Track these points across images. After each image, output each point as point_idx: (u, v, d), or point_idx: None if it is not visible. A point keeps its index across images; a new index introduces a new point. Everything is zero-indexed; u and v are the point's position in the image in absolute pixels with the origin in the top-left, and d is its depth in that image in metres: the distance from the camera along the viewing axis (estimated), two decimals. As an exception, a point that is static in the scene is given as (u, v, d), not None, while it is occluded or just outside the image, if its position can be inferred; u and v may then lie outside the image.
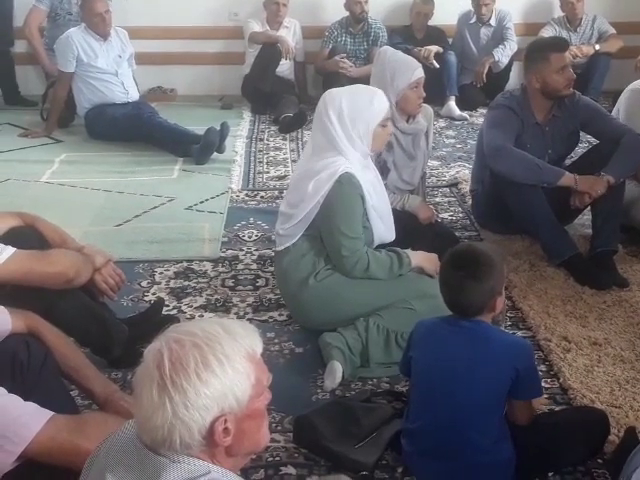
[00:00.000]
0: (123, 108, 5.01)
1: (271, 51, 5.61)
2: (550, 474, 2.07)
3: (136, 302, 2.98)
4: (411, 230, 2.98)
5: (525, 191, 3.15)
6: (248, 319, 2.86)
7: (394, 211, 2.88)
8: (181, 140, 4.77)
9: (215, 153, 4.67)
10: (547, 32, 5.71)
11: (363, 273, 2.60)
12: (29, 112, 5.66)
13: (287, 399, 2.26)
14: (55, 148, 4.98)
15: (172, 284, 3.15)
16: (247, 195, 4.16)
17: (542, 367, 2.54)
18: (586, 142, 4.15)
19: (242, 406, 1.27)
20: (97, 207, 3.98)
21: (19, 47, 5.96)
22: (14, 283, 2.15)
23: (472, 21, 5.92)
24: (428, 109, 3.32)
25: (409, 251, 2.68)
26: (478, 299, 1.93)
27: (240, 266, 3.30)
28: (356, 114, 2.58)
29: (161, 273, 3.24)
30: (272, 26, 5.79)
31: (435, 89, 4.97)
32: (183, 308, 2.95)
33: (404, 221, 2.95)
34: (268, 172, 4.59)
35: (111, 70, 5.05)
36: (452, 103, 5.71)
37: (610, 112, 3.60)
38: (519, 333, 2.76)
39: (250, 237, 3.60)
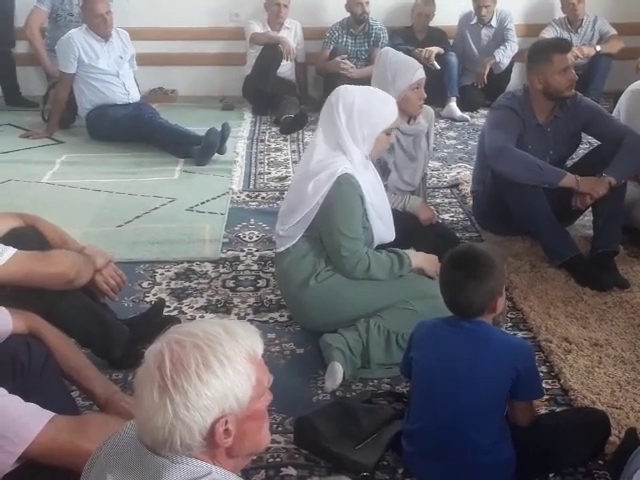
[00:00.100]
0: (124, 109, 5.02)
1: (272, 52, 5.61)
2: (551, 475, 2.07)
3: (137, 303, 2.98)
4: (412, 231, 2.98)
5: (526, 192, 3.15)
6: (249, 320, 2.86)
7: (395, 212, 2.88)
8: (182, 141, 4.77)
9: (216, 154, 4.68)
10: (548, 33, 5.71)
11: (364, 274, 2.60)
12: (30, 113, 5.67)
13: (288, 400, 2.26)
14: (56, 149, 4.98)
15: (173, 285, 3.15)
16: (248, 196, 4.16)
17: (543, 368, 2.54)
18: (587, 143, 4.15)
19: (243, 407, 1.27)
20: (98, 208, 3.98)
21: (20, 48, 5.96)
22: (15, 284, 2.16)
23: (473, 22, 5.93)
24: (429, 110, 3.33)
25: (410, 252, 2.68)
26: (478, 300, 1.94)
27: (241, 267, 3.31)
28: (365, 115, 2.58)
29: (162, 274, 3.24)
30: (273, 27, 5.79)
31: (436, 90, 4.97)
32: (184, 309, 2.96)
33: (405, 222, 2.95)
34: (269, 173, 4.59)
35: (112, 71, 5.05)
36: (453, 104, 5.71)
37: (611, 113, 3.60)
38: (520, 334, 2.76)
39: (251, 238, 3.60)
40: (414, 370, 2.05)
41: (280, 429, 2.25)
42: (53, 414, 1.65)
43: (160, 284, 3.15)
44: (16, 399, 1.65)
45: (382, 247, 2.72)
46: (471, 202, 3.82)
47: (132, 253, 3.39)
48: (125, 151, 4.86)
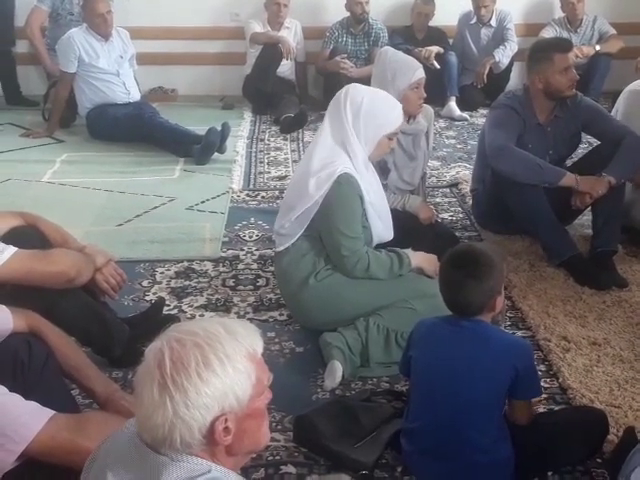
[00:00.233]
0: (124, 108, 5.02)
1: (272, 51, 5.62)
2: (549, 473, 2.07)
3: (137, 302, 2.99)
4: (411, 230, 2.98)
5: (526, 191, 3.15)
6: (248, 319, 2.86)
7: (394, 211, 2.89)
8: (182, 140, 4.77)
9: (216, 153, 4.68)
10: (548, 33, 5.71)
11: (364, 273, 2.60)
12: (31, 112, 5.67)
13: (287, 398, 2.27)
14: (56, 148, 4.99)
15: (173, 284, 3.15)
16: (248, 195, 4.17)
17: (541, 367, 2.54)
18: (587, 143, 4.16)
19: (243, 405, 1.28)
20: (98, 207, 3.99)
21: (21, 47, 5.97)
22: (15, 282, 2.16)
23: (473, 22, 5.93)
24: (429, 109, 3.33)
25: (409, 251, 2.69)
26: (478, 299, 1.94)
27: (241, 266, 3.31)
28: (371, 116, 2.59)
29: (162, 273, 3.25)
30: (273, 27, 5.79)
31: (436, 89, 4.97)
32: (184, 308, 2.96)
33: (404, 221, 2.96)
34: (269, 172, 4.59)
35: (112, 70, 5.05)
36: (452, 103, 5.72)
37: (610, 113, 3.61)
38: (519, 333, 2.76)
39: (251, 237, 3.61)
40: (413, 369, 2.05)
41: (279, 427, 2.25)
42: (53, 412, 1.65)
43: (160, 283, 3.16)
44: (16, 397, 1.65)
45: (381, 246, 2.73)
46: (470, 201, 3.82)
47: (132, 252, 3.39)
48: (125, 150, 4.86)
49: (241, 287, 3.13)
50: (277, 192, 4.16)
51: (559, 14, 5.98)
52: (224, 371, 1.25)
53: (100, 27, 4.98)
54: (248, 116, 5.76)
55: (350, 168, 2.59)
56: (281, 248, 2.71)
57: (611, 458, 2.08)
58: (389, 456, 2.14)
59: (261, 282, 3.17)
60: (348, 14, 5.82)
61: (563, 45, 3.34)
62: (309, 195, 2.58)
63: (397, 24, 6.04)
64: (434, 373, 1.98)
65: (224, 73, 6.23)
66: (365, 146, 2.63)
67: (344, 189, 2.56)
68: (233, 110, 5.88)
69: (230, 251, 3.45)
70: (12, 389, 1.67)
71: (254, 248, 3.48)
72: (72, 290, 2.33)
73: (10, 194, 4.11)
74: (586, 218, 3.50)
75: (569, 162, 3.61)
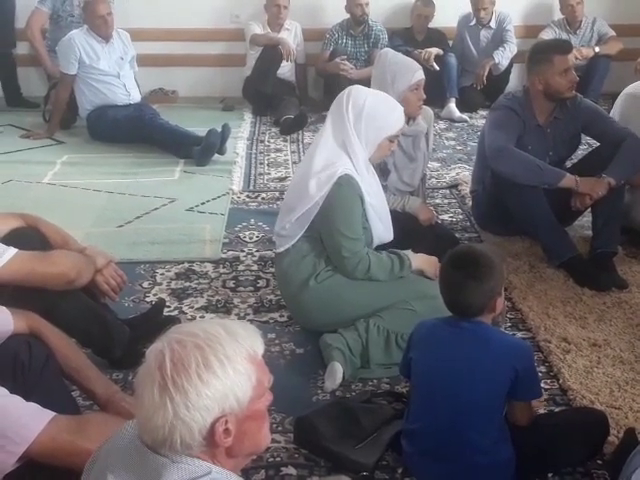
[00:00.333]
0: (125, 110, 5.03)
1: (272, 53, 5.62)
2: (549, 475, 2.07)
3: (137, 303, 2.99)
4: (411, 231, 2.98)
5: (526, 192, 3.16)
6: (249, 320, 2.86)
7: (394, 212, 2.89)
8: (182, 142, 4.77)
9: (216, 155, 4.68)
10: (547, 34, 5.72)
11: (364, 274, 2.60)
12: (31, 114, 5.67)
13: (288, 400, 2.27)
14: (57, 149, 4.99)
15: (173, 285, 3.15)
16: (248, 196, 4.17)
17: (542, 368, 2.54)
18: (587, 144, 4.16)
19: (243, 407, 1.28)
20: (99, 208, 3.99)
21: (21, 49, 5.97)
22: (16, 284, 2.16)
23: (472, 23, 5.93)
24: (428, 111, 3.33)
25: (410, 253, 2.69)
26: (478, 300, 1.94)
27: (241, 267, 3.31)
28: (374, 118, 2.59)
29: (162, 274, 3.25)
30: (273, 28, 5.80)
31: (435, 91, 4.98)
32: (184, 309, 2.96)
33: (404, 222, 2.96)
34: (269, 174, 4.59)
35: (113, 72, 5.06)
36: (452, 105, 5.72)
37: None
38: (519, 334, 2.76)
39: (251, 238, 3.61)
40: (413, 370, 2.05)
41: (280, 429, 2.25)
42: (54, 414, 1.65)
43: (160, 284, 3.16)
44: (17, 399, 1.65)
45: (382, 248, 2.73)
46: (470, 203, 3.82)
47: (132, 253, 3.39)
48: (126, 152, 4.86)
49: (241, 288, 3.13)
50: (277, 193, 4.16)
51: (558, 16, 5.99)
52: (224, 373, 1.25)
53: (101, 29, 4.98)
54: (248, 117, 5.76)
55: (351, 169, 2.59)
56: (281, 249, 2.71)
57: (612, 459, 2.08)
58: (389, 457, 2.14)
59: (261, 283, 3.17)
60: (348, 16, 5.82)
61: (563, 47, 3.35)
62: (309, 196, 2.58)
63: (397, 26, 6.04)
64: (434, 374, 1.98)
65: (224, 75, 6.24)
66: (366, 148, 2.63)
67: (344, 190, 2.56)
68: (233, 111, 5.89)
69: (230, 252, 3.46)
70: (12, 390, 1.67)
71: (254, 249, 3.48)
72: (72, 291, 2.33)
73: (11, 195, 4.11)
74: (586, 219, 3.50)
75: (569, 163, 3.61)
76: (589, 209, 3.29)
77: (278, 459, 2.14)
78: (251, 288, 3.13)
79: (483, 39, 5.94)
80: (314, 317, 2.67)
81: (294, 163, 4.73)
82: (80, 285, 2.34)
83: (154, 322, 2.70)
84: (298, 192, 2.65)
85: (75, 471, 1.51)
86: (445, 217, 3.84)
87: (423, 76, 3.10)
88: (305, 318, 2.74)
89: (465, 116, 5.66)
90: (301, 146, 5.10)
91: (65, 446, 1.63)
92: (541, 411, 2.28)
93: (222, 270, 3.28)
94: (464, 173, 4.45)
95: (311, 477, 2.09)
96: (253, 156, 4.93)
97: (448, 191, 4.22)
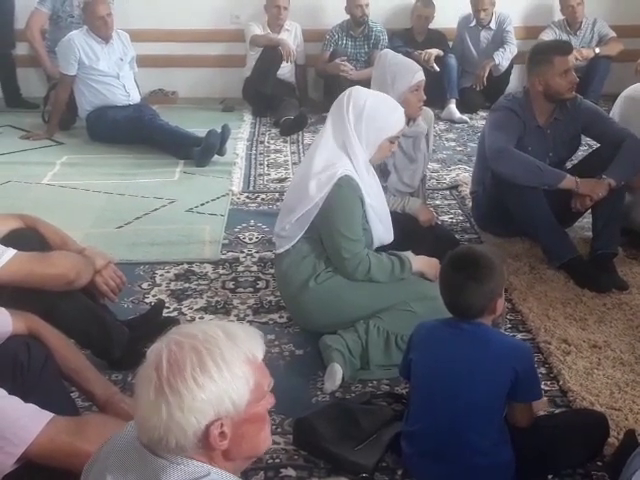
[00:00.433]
0: (124, 111, 5.02)
1: (272, 54, 5.62)
2: (549, 477, 2.07)
3: (137, 304, 2.99)
4: (411, 232, 2.98)
5: (526, 193, 3.15)
6: (248, 321, 2.86)
7: (394, 213, 2.88)
8: (182, 142, 4.77)
9: (216, 155, 4.68)
10: (547, 35, 5.72)
11: (364, 276, 2.60)
12: (30, 114, 5.67)
13: (287, 401, 2.26)
14: (56, 150, 4.99)
15: (173, 286, 3.15)
16: (248, 197, 4.17)
17: (542, 370, 2.54)
18: (587, 145, 4.16)
19: (240, 411, 1.27)
20: (98, 209, 3.99)
21: (21, 49, 5.97)
22: (15, 285, 2.16)
23: (472, 24, 5.93)
24: (428, 112, 3.33)
25: (410, 255, 2.68)
26: (478, 301, 1.94)
27: (240, 268, 3.31)
28: (374, 119, 2.59)
29: (162, 275, 3.24)
30: (273, 29, 5.80)
31: (435, 92, 4.97)
32: (183, 310, 2.96)
33: (404, 223, 2.95)
34: (269, 174, 4.59)
35: (112, 73, 5.05)
36: (452, 106, 5.72)
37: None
38: (519, 336, 2.76)
39: (251, 239, 3.60)
40: (413, 372, 2.05)
41: (279, 430, 2.25)
42: (52, 415, 1.65)
43: (160, 285, 3.16)
44: (15, 400, 1.65)
45: (382, 249, 2.73)
46: (470, 204, 3.82)
47: (132, 254, 3.39)
48: (125, 152, 4.86)
49: (241, 289, 3.13)
50: (277, 194, 4.16)
51: (559, 17, 5.98)
52: (220, 376, 1.24)
53: (100, 29, 4.98)
54: (248, 118, 5.76)
55: (351, 170, 2.58)
56: (281, 250, 2.71)
57: (611, 461, 2.07)
58: (389, 459, 2.14)
59: (261, 284, 3.16)
60: (348, 17, 5.82)
61: (563, 48, 3.34)
62: (309, 197, 2.58)
63: (397, 27, 6.04)
64: (434, 376, 1.98)
65: (224, 75, 6.24)
66: (366, 149, 2.63)
67: (345, 191, 2.56)
68: (233, 112, 5.88)
69: (230, 253, 3.45)
70: (11, 391, 1.67)
71: (254, 250, 3.48)
72: (71, 292, 2.33)
73: (10, 196, 4.11)
74: (586, 220, 3.50)
75: (569, 164, 3.61)
76: (589, 210, 3.29)
77: (277, 460, 2.14)
78: (251, 289, 3.13)
79: (483, 40, 5.94)
80: (314, 318, 2.67)
81: (294, 164, 4.73)
82: (79, 286, 2.34)
83: (153, 323, 2.70)
84: (298, 193, 2.65)
85: (74, 472, 1.51)
86: (445, 218, 3.84)
87: (423, 77, 3.10)
88: (305, 319, 2.74)
89: (465, 117, 5.66)
90: (301, 147, 5.10)
91: (64, 447, 1.63)
92: (541, 413, 2.28)
93: (222, 271, 3.28)
94: (464, 174, 4.45)
95: (310, 479, 2.08)
96: (253, 157, 4.93)
97: (448, 192, 4.22)
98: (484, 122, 3.77)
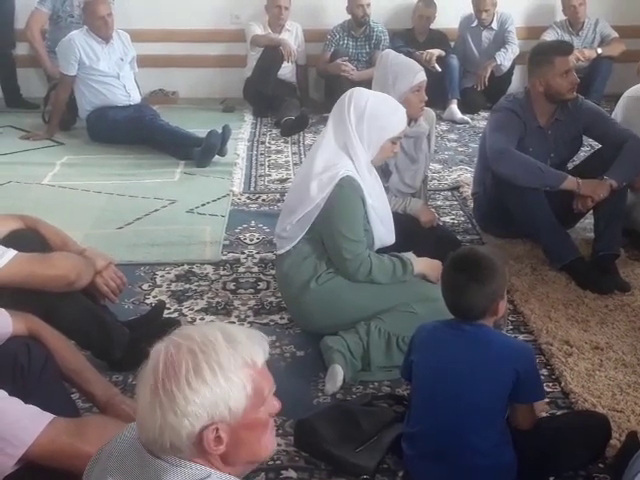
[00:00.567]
0: (125, 111, 5.02)
1: (273, 54, 5.62)
2: (551, 478, 2.06)
3: (137, 305, 2.98)
4: (412, 233, 2.98)
5: (527, 194, 3.15)
6: (249, 322, 2.86)
7: (395, 214, 2.88)
8: (183, 143, 4.77)
9: (217, 156, 4.68)
10: (549, 36, 5.71)
11: (366, 277, 2.59)
12: (31, 115, 5.67)
13: (288, 403, 2.21)
14: (57, 151, 4.98)
15: (173, 287, 3.15)
16: (248, 198, 4.16)
17: (544, 371, 2.53)
18: (588, 146, 4.15)
19: (236, 416, 1.25)
20: (98, 210, 3.98)
21: (21, 49, 5.97)
22: (15, 286, 2.15)
23: (474, 24, 5.93)
24: (430, 112, 3.33)
25: (413, 257, 2.67)
26: (480, 302, 1.93)
27: (241, 269, 3.30)
28: (376, 120, 2.59)
29: (162, 276, 3.24)
30: (274, 29, 5.79)
31: (437, 92, 4.97)
32: (184, 311, 2.95)
33: (405, 224, 2.95)
34: (270, 175, 4.59)
35: (113, 73, 5.05)
36: (454, 106, 5.71)
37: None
38: (520, 337, 2.76)
39: (251, 240, 3.60)
40: (414, 373, 2.04)
41: (280, 431, 2.24)
42: (53, 416, 1.65)
43: (160, 286, 3.15)
44: (16, 401, 1.65)
45: (383, 251, 2.72)
46: (472, 204, 3.81)
47: (132, 255, 3.39)
48: (126, 153, 4.86)
49: (242, 290, 3.12)
50: (278, 195, 4.16)
51: (561, 17, 5.98)
52: (215, 381, 1.23)
53: (101, 30, 4.98)
54: (249, 119, 5.76)
55: (352, 171, 2.58)
56: (282, 251, 2.70)
57: (613, 463, 2.07)
58: (390, 461, 2.13)
59: (262, 285, 3.16)
60: (349, 17, 5.82)
61: (563, 48, 3.34)
62: (310, 198, 2.57)
63: (398, 27, 6.03)
64: (435, 377, 1.97)
65: (225, 76, 6.23)
66: (368, 150, 2.62)
67: (346, 192, 2.55)
68: (234, 113, 5.88)
69: (231, 254, 3.45)
70: (12, 393, 1.66)
71: (255, 251, 3.48)
72: (72, 293, 2.32)
73: (10, 197, 4.10)
74: (588, 222, 3.49)
75: (570, 165, 3.60)
76: (591, 211, 3.28)
77: (278, 462, 2.13)
78: (251, 290, 3.12)
79: (485, 40, 5.93)
80: (315, 319, 2.67)
81: (295, 164, 4.73)
82: (80, 287, 2.34)
83: (154, 324, 2.69)
84: (299, 194, 2.64)
85: (74, 473, 1.51)
86: (446, 219, 3.83)
87: (425, 77, 3.09)
88: (306, 320, 2.73)
89: (467, 117, 5.66)
90: (302, 147, 5.09)
91: (64, 448, 1.62)
92: (543, 414, 2.27)
93: (222, 272, 3.28)
94: (466, 175, 4.44)
95: (311, 480, 2.08)
96: (254, 157, 4.93)
97: (450, 193, 4.22)
98: (486, 122, 3.76)
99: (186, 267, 3.31)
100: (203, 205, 4.02)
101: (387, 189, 2.98)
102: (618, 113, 3.51)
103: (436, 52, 5.68)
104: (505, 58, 5.80)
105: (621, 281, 3.11)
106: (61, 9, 5.59)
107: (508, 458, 1.95)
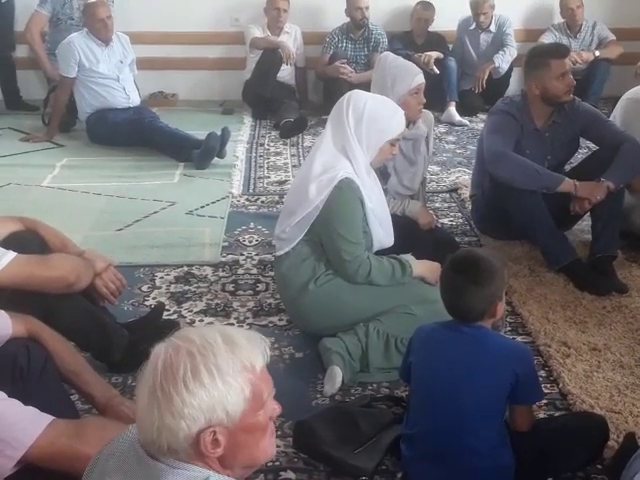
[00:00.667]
0: (124, 113, 5.03)
1: (272, 56, 5.62)
2: (549, 480, 2.07)
3: (136, 307, 2.99)
4: (411, 235, 2.98)
5: (524, 197, 3.16)
6: (248, 324, 2.87)
7: (394, 216, 2.88)
8: (182, 145, 4.77)
9: (216, 158, 4.68)
10: (547, 38, 5.72)
11: (365, 279, 2.60)
12: (30, 117, 5.67)
13: (287, 404, 2.21)
14: (56, 153, 4.99)
15: (172, 289, 3.15)
16: (248, 200, 4.17)
17: (542, 372, 2.54)
18: (586, 148, 4.16)
19: (234, 420, 1.25)
20: (98, 212, 3.99)
21: (21, 52, 5.97)
22: (15, 287, 2.16)
23: (472, 27, 5.94)
24: (428, 115, 3.33)
25: (411, 259, 2.68)
26: (479, 304, 1.94)
27: (240, 271, 3.31)
28: (374, 120, 2.59)
29: (161, 278, 3.24)
30: (273, 32, 5.80)
31: (435, 95, 4.97)
32: (183, 313, 2.96)
33: (404, 226, 2.95)
34: (269, 177, 4.59)
35: (112, 75, 5.06)
36: (452, 109, 5.72)
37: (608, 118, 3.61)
38: (519, 338, 2.76)
39: (250, 242, 3.60)
40: (413, 374, 2.05)
41: (279, 433, 2.24)
42: (52, 418, 1.65)
43: (160, 288, 3.16)
44: (15, 403, 1.65)
45: (382, 252, 2.73)
46: (470, 207, 3.82)
47: (132, 257, 3.39)
48: (125, 155, 4.86)
49: (241, 292, 3.13)
50: (277, 197, 4.16)
51: (558, 20, 5.99)
52: (213, 384, 1.23)
53: (100, 32, 4.98)
54: (248, 121, 5.76)
55: (351, 173, 2.59)
56: (281, 252, 2.71)
57: (611, 464, 2.07)
58: (389, 462, 2.14)
59: (261, 287, 3.16)
60: (348, 19, 5.82)
61: (560, 51, 3.35)
62: (309, 200, 2.58)
63: (397, 29, 6.04)
64: (434, 378, 1.98)
65: (224, 78, 6.24)
66: (367, 152, 2.63)
67: (345, 194, 2.56)
68: (233, 115, 5.88)
69: (230, 256, 3.45)
70: (11, 394, 1.67)
71: (254, 253, 3.48)
72: (71, 295, 2.33)
73: (10, 199, 4.11)
74: (585, 223, 3.50)
75: (568, 167, 3.61)
76: (588, 213, 3.29)
77: (277, 463, 2.14)
78: (250, 292, 3.13)
79: (483, 43, 5.94)
80: (313, 321, 2.67)
81: (294, 166, 4.73)
82: (79, 289, 2.34)
83: (153, 326, 2.69)
84: (298, 196, 2.65)
85: (74, 475, 1.51)
86: (445, 221, 3.84)
87: (423, 80, 3.10)
88: (304, 322, 2.74)
89: (465, 120, 5.66)
90: (301, 150, 5.10)
91: (64, 450, 1.62)
92: (541, 415, 2.28)
93: (221, 274, 3.28)
94: (464, 177, 4.45)
95: (310, 482, 2.08)
96: (253, 159, 4.93)
97: (448, 195, 4.22)
98: (484, 125, 3.77)
99: (185, 269, 3.32)
100: (202, 207, 4.03)
101: (386, 191, 2.98)
102: (617, 115, 3.51)
103: (434, 55, 5.69)
104: (503, 61, 5.81)
105: (619, 283, 3.12)
106: (61, 11, 5.59)
107: (506, 459, 1.95)
